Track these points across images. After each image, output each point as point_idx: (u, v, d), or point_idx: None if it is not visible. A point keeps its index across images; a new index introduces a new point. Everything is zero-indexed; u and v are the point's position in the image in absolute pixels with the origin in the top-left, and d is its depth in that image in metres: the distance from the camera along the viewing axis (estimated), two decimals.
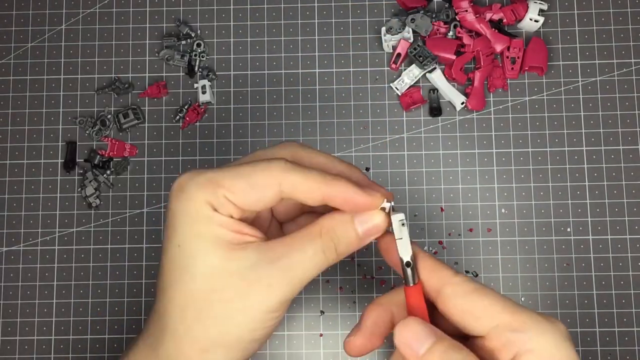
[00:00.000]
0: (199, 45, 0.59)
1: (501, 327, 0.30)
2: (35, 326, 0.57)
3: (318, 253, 0.32)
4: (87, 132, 0.59)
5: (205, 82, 0.58)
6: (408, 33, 0.58)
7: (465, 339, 0.32)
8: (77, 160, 0.59)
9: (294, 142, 0.35)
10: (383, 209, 0.33)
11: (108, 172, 0.59)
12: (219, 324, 0.31)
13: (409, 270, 0.32)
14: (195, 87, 0.59)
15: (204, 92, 0.58)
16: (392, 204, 0.33)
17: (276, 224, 0.38)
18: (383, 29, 0.58)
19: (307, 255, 0.31)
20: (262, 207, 0.32)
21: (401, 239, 0.32)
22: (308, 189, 0.32)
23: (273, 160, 0.32)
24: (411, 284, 0.32)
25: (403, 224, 0.33)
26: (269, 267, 0.31)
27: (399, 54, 0.58)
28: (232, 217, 0.32)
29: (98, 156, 0.58)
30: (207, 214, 0.31)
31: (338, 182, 0.32)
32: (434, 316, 0.33)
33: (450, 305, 0.32)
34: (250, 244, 0.31)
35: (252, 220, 0.35)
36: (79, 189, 0.58)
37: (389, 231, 0.34)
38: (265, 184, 0.31)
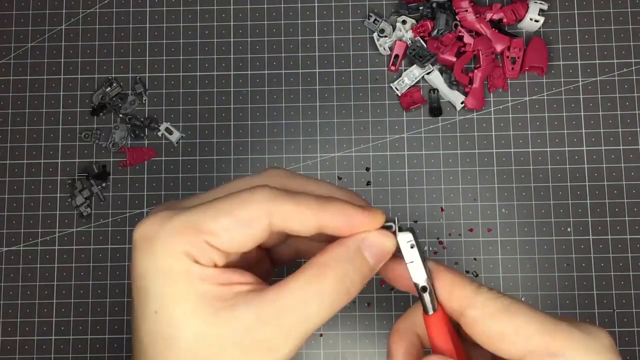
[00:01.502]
0: (133, 102, 0.59)
1: (538, 351, 0.26)
2: (35, 326, 0.57)
3: (325, 302, 0.26)
4: (97, 143, 0.59)
5: (166, 125, 0.58)
6: (400, 31, 0.58)
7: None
8: (78, 174, 0.59)
9: (278, 169, 0.30)
10: (386, 228, 0.28)
11: (103, 184, 0.58)
12: None
13: (426, 296, 0.28)
14: (159, 134, 0.59)
15: (170, 134, 0.58)
16: (398, 222, 0.28)
17: (262, 252, 0.32)
18: (375, 34, 0.59)
19: (313, 309, 0.26)
20: (249, 247, 0.27)
21: (412, 262, 0.28)
22: (302, 217, 0.26)
23: (256, 188, 0.26)
24: (430, 312, 0.28)
25: (412, 246, 0.28)
26: (267, 329, 0.25)
27: (396, 56, 0.58)
28: (215, 265, 0.26)
29: (95, 167, 0.59)
30: (186, 269, 0.25)
31: (334, 203, 0.27)
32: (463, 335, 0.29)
33: (476, 330, 0.27)
34: (242, 297, 0.26)
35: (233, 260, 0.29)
36: (68, 199, 0.58)
37: (394, 255, 0.29)
38: (251, 219, 0.26)
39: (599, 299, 0.56)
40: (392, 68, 0.59)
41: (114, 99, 0.59)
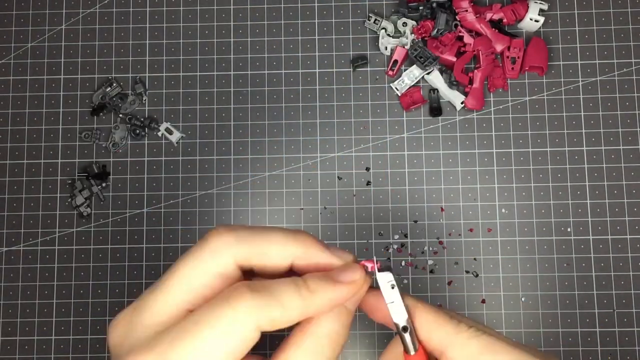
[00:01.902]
0: (133, 102, 0.58)
1: None
2: (35, 326, 0.57)
3: None
4: (97, 143, 0.59)
5: (166, 125, 0.58)
6: (406, 39, 0.58)
7: None
8: (78, 174, 0.59)
9: (222, 233, 0.27)
10: (365, 268, 0.28)
11: (103, 184, 0.58)
12: None
13: (407, 336, 0.28)
14: (160, 134, 0.59)
15: (170, 134, 0.58)
16: (376, 261, 0.28)
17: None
18: (382, 32, 0.59)
19: None
20: (243, 355, 0.25)
21: (393, 302, 0.28)
22: (289, 318, 0.25)
23: (233, 298, 0.25)
24: (412, 352, 0.28)
25: (392, 286, 0.28)
26: None
27: (395, 61, 0.58)
28: None
29: (95, 167, 0.59)
30: None
31: (321, 294, 0.26)
32: None
33: None
34: None
35: None
36: (68, 199, 0.58)
37: (371, 286, 0.29)
38: (242, 339, 0.24)
39: (599, 299, 0.56)
40: (390, 73, 0.59)
41: (114, 99, 0.59)
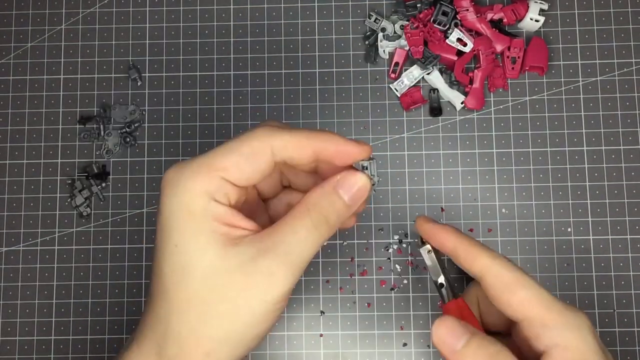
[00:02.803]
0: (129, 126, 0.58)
1: (534, 319, 0.33)
2: (35, 326, 0.57)
3: (311, 230, 0.31)
4: (97, 143, 0.59)
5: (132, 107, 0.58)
6: (405, 40, 0.58)
7: (502, 335, 0.37)
8: (78, 174, 0.59)
9: (273, 120, 0.34)
10: (360, 168, 0.34)
11: (103, 184, 0.58)
12: (224, 323, 0.31)
13: (443, 291, 0.36)
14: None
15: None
16: (374, 161, 0.36)
17: (262, 205, 0.37)
18: (380, 35, 0.58)
19: (301, 235, 0.31)
20: (258, 178, 0.32)
21: (431, 264, 0.37)
22: (299, 144, 0.31)
23: (257, 127, 0.32)
24: (447, 302, 0.36)
25: (429, 251, 0.38)
26: (267, 257, 0.30)
27: (396, 63, 0.58)
28: (230, 202, 0.31)
29: (95, 167, 0.58)
30: (204, 207, 0.30)
31: (326, 134, 0.32)
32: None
33: (490, 293, 0.34)
34: (243, 238, 0.31)
35: (242, 205, 0.34)
36: (68, 199, 0.58)
37: (428, 219, 0.39)
38: (257, 151, 0.31)
39: (599, 299, 0.56)
40: (392, 75, 0.59)
41: (104, 109, 0.59)
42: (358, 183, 0.33)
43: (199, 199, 0.30)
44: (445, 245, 0.38)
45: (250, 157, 0.31)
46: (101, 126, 0.59)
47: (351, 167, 0.34)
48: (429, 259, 0.37)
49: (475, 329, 0.33)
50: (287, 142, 0.31)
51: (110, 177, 0.59)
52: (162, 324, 0.31)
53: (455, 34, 0.57)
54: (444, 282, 0.36)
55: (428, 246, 0.37)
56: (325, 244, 0.34)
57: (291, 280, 0.31)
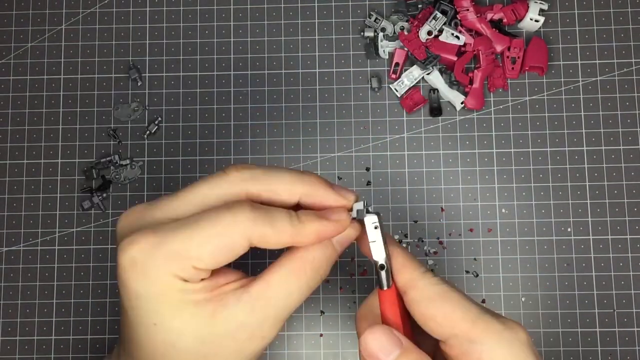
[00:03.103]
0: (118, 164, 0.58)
1: (460, 336, 0.29)
2: (35, 326, 0.57)
3: (304, 291, 0.30)
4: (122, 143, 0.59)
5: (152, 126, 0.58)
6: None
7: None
8: (80, 191, 0.59)
9: (241, 168, 0.31)
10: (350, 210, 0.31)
11: (104, 194, 0.58)
12: None
13: (383, 273, 0.31)
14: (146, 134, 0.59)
15: (133, 168, 0.58)
16: (365, 203, 0.32)
17: None
18: (381, 35, 0.58)
19: (294, 298, 0.30)
20: (230, 261, 0.29)
21: (374, 241, 0.31)
22: (278, 238, 0.29)
23: (236, 210, 0.28)
24: (385, 288, 0.31)
25: (376, 227, 0.31)
26: (257, 321, 0.29)
27: (397, 63, 0.58)
28: (202, 279, 0.29)
29: (101, 178, 0.58)
30: (180, 288, 0.28)
31: (310, 224, 0.30)
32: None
33: (413, 309, 0.31)
34: (231, 295, 0.29)
35: None
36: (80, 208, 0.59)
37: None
38: (234, 243, 0.28)
39: (599, 299, 0.56)
40: (393, 76, 0.59)
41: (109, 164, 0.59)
42: (351, 234, 0.31)
43: (173, 284, 0.28)
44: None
45: (227, 249, 0.28)
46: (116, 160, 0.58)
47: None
48: (374, 234, 0.31)
49: (408, 343, 0.30)
50: (267, 237, 0.29)
51: (111, 184, 0.59)
52: None
53: (445, 33, 0.57)
54: (384, 264, 0.31)
55: (375, 217, 0.31)
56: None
57: (277, 333, 0.30)
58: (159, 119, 0.59)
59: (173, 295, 0.28)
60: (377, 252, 0.31)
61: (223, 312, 0.29)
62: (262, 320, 0.29)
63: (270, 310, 0.29)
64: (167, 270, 0.28)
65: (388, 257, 0.31)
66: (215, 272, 0.29)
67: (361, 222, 0.31)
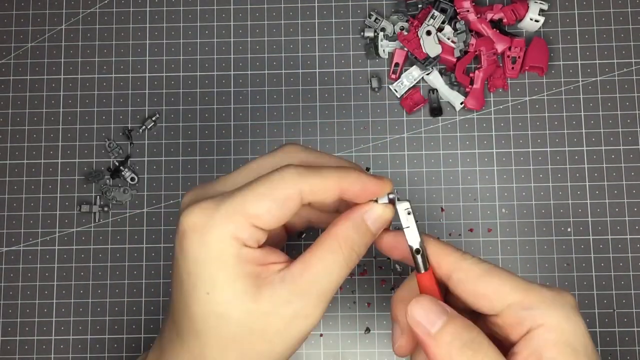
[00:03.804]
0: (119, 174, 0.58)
1: (513, 306, 0.31)
2: (35, 326, 0.57)
3: (343, 268, 0.31)
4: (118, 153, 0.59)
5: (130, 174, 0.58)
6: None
7: (477, 315, 0.33)
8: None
9: (294, 145, 0.34)
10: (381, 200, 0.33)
11: (105, 208, 0.58)
12: (263, 358, 0.31)
13: (419, 257, 0.32)
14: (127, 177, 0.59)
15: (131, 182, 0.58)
16: (397, 193, 0.33)
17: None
18: (381, 34, 0.58)
19: (334, 276, 0.31)
20: (286, 221, 0.31)
21: (409, 227, 0.33)
22: (326, 188, 0.31)
23: (284, 169, 0.31)
24: (422, 271, 0.33)
25: (409, 213, 0.33)
26: (302, 299, 0.30)
27: (397, 64, 0.58)
28: (259, 244, 0.31)
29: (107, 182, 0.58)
30: (236, 254, 0.30)
31: (352, 174, 0.32)
32: (447, 297, 0.34)
33: (461, 290, 0.32)
34: (275, 275, 0.30)
35: None
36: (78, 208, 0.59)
37: (387, 229, 0.34)
38: (287, 197, 0.30)
39: (599, 299, 0.56)
40: (393, 76, 0.59)
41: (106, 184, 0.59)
42: (385, 214, 0.33)
43: (231, 248, 0.30)
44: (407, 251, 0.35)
45: (282, 204, 0.30)
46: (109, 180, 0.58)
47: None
48: (407, 220, 0.32)
49: (454, 311, 0.31)
50: (315, 187, 0.31)
51: (110, 179, 0.59)
52: None
53: (432, 37, 0.57)
54: (420, 248, 0.32)
55: (407, 204, 0.32)
56: None
57: (322, 314, 0.31)
58: (157, 115, 0.59)
59: (229, 261, 0.29)
60: (412, 237, 0.32)
61: (268, 289, 0.30)
62: (304, 299, 0.30)
63: (312, 288, 0.30)
64: (226, 230, 0.29)
65: (422, 240, 0.32)
66: (269, 249, 0.31)
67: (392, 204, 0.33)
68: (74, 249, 0.58)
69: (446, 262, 0.33)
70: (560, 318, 0.30)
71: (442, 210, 0.58)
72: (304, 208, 0.35)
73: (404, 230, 0.33)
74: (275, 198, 0.30)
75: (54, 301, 0.58)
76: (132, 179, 0.58)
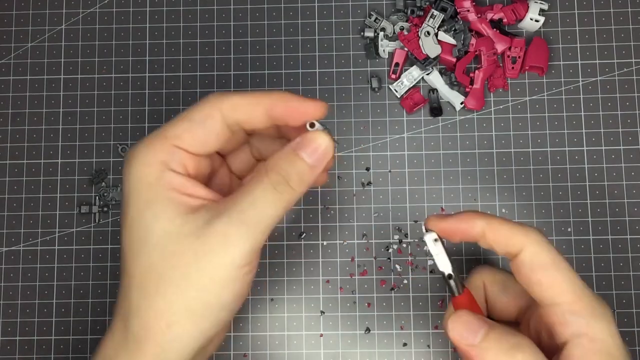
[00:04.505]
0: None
1: (563, 305, 0.32)
2: (35, 326, 0.57)
3: (268, 190, 0.30)
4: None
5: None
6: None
7: (514, 324, 0.35)
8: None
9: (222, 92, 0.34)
10: (313, 128, 0.32)
11: (104, 208, 0.58)
12: (181, 291, 0.29)
13: (452, 282, 0.33)
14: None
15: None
16: (327, 128, 0.33)
17: (237, 182, 0.37)
18: (381, 34, 0.58)
19: (256, 196, 0.30)
20: (214, 144, 0.32)
21: (438, 254, 0.33)
22: (248, 105, 0.31)
23: (207, 95, 0.32)
24: (457, 295, 0.33)
25: (436, 240, 0.33)
26: (220, 219, 0.29)
27: (397, 64, 0.58)
28: (187, 172, 0.31)
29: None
30: (158, 176, 0.30)
31: (277, 93, 0.32)
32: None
33: (521, 271, 0.33)
34: (203, 207, 0.30)
35: (210, 181, 0.34)
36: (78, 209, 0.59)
37: (435, 215, 0.35)
38: (207, 115, 0.31)
39: None
40: (393, 76, 0.59)
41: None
42: (318, 141, 0.32)
43: (153, 169, 0.30)
44: (470, 233, 0.35)
45: (201, 122, 0.31)
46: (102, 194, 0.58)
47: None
48: (436, 248, 0.33)
49: (493, 322, 0.32)
50: (236, 104, 0.31)
51: (110, 177, 0.59)
52: (126, 299, 0.31)
53: (430, 38, 0.57)
54: (452, 273, 0.33)
55: (434, 234, 0.33)
56: (291, 208, 0.32)
57: (249, 242, 0.29)
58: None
59: (151, 184, 0.30)
60: (443, 264, 0.33)
61: (191, 215, 0.30)
62: (226, 222, 0.29)
63: (234, 211, 0.29)
64: (149, 153, 0.30)
65: (453, 265, 0.33)
66: (198, 184, 0.31)
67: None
68: (74, 249, 0.58)
69: (514, 242, 0.33)
70: (605, 332, 0.31)
71: (442, 210, 0.58)
72: (253, 146, 0.36)
73: (434, 257, 0.33)
74: (195, 118, 0.31)
75: (54, 301, 0.58)
76: None
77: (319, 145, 0.32)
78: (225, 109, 0.31)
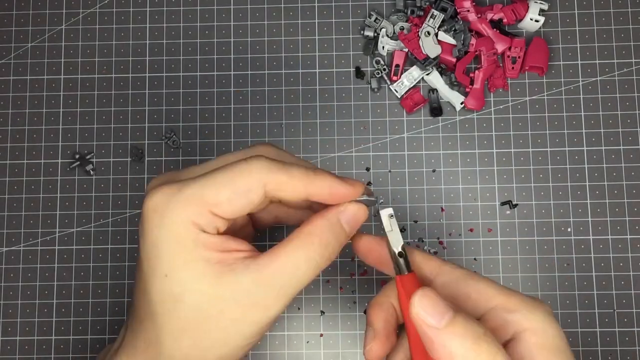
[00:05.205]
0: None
1: (497, 308, 0.32)
2: (35, 326, 0.57)
3: (312, 265, 0.30)
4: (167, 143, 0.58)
5: None
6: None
7: None
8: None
9: (267, 144, 0.33)
10: (365, 199, 0.33)
11: (94, 168, 0.58)
12: (217, 348, 0.30)
13: (401, 260, 0.33)
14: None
15: None
16: (373, 195, 0.33)
17: (246, 216, 0.36)
18: (383, 31, 0.58)
19: (301, 272, 0.30)
20: (248, 212, 0.31)
21: (391, 230, 0.33)
22: (293, 187, 0.30)
23: (252, 159, 0.30)
24: (406, 273, 0.33)
25: (391, 216, 0.33)
26: (263, 290, 0.29)
27: (397, 65, 0.58)
28: (218, 232, 0.30)
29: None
30: (194, 238, 0.29)
31: (321, 176, 0.31)
32: None
33: (446, 292, 0.32)
34: (240, 262, 0.30)
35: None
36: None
37: (361, 232, 0.35)
38: (249, 189, 0.29)
39: (599, 299, 0.56)
40: (394, 78, 0.59)
41: None
42: (359, 214, 0.33)
43: (188, 231, 0.29)
44: (383, 256, 0.35)
45: (244, 195, 0.29)
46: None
47: None
48: (390, 224, 0.33)
49: (458, 306, 0.30)
50: (281, 183, 0.30)
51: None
52: (154, 347, 0.31)
53: (431, 38, 0.57)
54: (402, 251, 0.32)
55: (390, 210, 0.33)
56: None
57: (283, 309, 0.30)
58: (174, 135, 0.59)
59: (187, 244, 0.29)
60: (396, 241, 0.33)
61: (230, 276, 0.29)
62: (267, 290, 0.29)
63: (276, 281, 0.29)
64: (184, 214, 0.29)
65: (404, 244, 0.33)
66: (229, 237, 0.30)
67: (364, 201, 0.33)
68: (74, 249, 0.58)
69: (429, 266, 0.34)
70: (544, 322, 0.31)
71: (442, 210, 0.58)
72: (273, 204, 0.35)
73: (387, 233, 0.33)
74: (238, 189, 0.29)
75: (54, 301, 0.58)
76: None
77: (360, 218, 0.33)
78: (270, 185, 0.30)
